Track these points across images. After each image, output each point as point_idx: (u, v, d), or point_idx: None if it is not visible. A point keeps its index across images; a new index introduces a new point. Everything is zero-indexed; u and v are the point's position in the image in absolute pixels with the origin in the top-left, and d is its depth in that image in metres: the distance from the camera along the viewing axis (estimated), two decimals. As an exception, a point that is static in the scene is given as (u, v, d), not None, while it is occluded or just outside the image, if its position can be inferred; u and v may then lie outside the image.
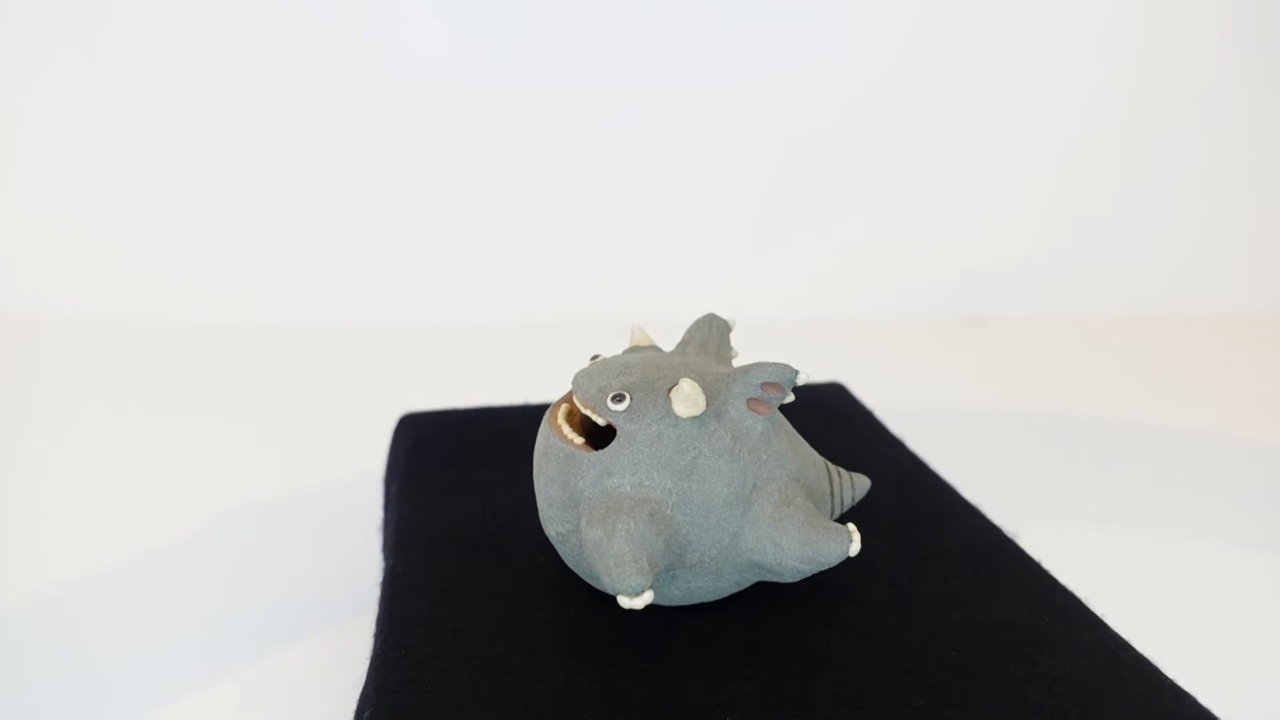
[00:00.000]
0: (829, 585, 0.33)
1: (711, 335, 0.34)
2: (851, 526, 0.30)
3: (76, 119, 0.87)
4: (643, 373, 0.31)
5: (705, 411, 0.29)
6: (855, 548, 0.30)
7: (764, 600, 0.32)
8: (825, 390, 0.51)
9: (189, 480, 0.58)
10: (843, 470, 0.34)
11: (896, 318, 0.88)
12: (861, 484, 0.35)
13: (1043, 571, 0.34)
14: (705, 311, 0.35)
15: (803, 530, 0.29)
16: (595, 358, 0.33)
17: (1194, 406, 0.68)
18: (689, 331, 0.34)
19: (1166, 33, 0.87)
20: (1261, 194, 0.91)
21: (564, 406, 0.32)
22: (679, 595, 0.31)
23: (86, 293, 0.88)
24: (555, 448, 0.30)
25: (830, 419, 0.47)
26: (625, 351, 0.34)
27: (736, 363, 0.35)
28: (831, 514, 0.33)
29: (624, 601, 0.27)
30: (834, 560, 0.30)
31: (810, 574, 0.30)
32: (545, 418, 0.32)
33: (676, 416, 0.29)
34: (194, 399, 0.71)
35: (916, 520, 0.37)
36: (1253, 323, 0.87)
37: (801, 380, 0.30)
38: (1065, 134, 0.89)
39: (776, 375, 0.30)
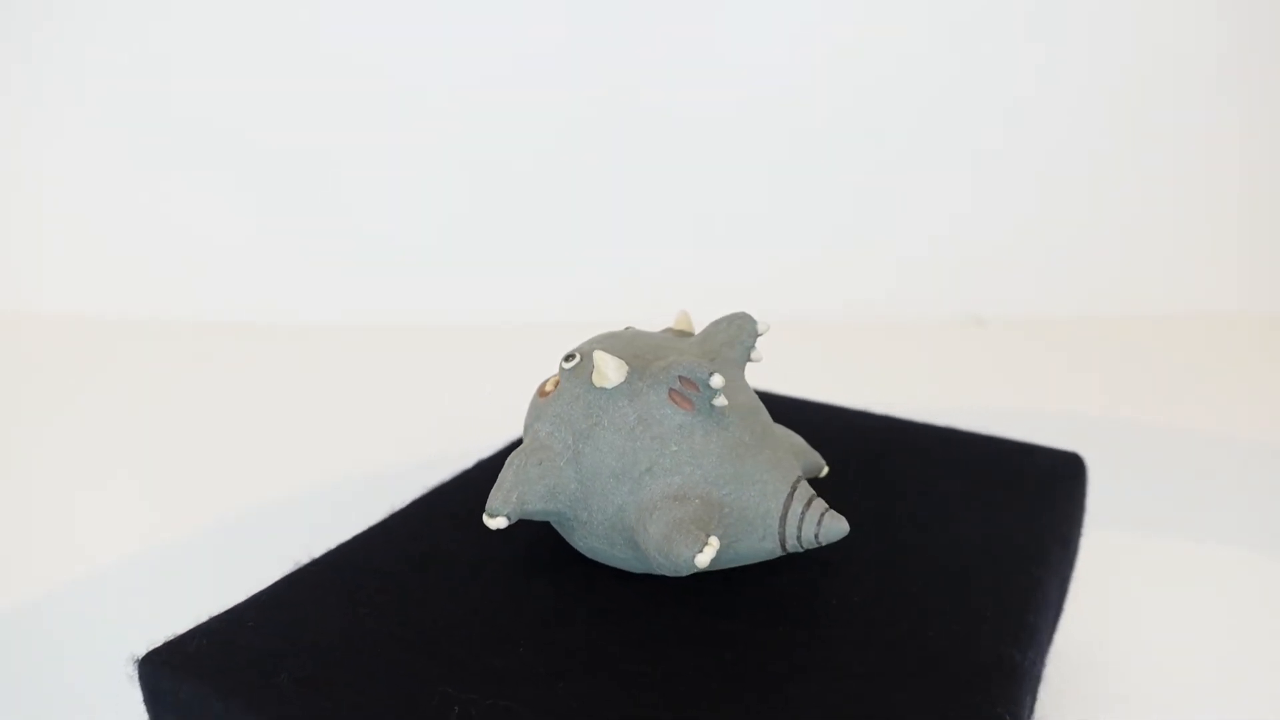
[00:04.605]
0: (782, 615, 0.33)
1: (720, 331, 0.35)
2: (714, 540, 0.30)
3: (79, 120, 0.89)
4: (614, 344, 0.34)
5: (619, 388, 0.32)
6: (702, 561, 0.29)
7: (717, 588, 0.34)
8: (1042, 456, 0.44)
9: (199, 478, 0.59)
10: (818, 503, 0.32)
11: (897, 318, 0.87)
12: (833, 527, 0.32)
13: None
14: (722, 311, 0.37)
15: (669, 525, 0.30)
16: (628, 328, 0.36)
17: (1195, 406, 0.67)
18: (709, 325, 0.36)
19: (1174, 28, 0.86)
20: (1265, 195, 0.90)
21: None
22: (582, 548, 0.34)
23: (79, 291, 0.90)
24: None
25: (1026, 484, 0.42)
26: (660, 331, 0.37)
27: (751, 367, 0.36)
28: (783, 542, 0.32)
29: (484, 518, 0.32)
30: (683, 564, 0.30)
31: (671, 571, 0.31)
32: None
33: (593, 384, 0.32)
34: (199, 399, 0.72)
35: (939, 603, 0.34)
36: (1254, 323, 0.85)
37: (716, 383, 0.31)
38: (1069, 135, 0.88)
39: (689, 371, 0.31)
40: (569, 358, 0.34)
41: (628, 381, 0.32)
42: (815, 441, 0.44)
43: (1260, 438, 0.62)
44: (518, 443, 0.45)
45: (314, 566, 0.36)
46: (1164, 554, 0.49)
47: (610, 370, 0.32)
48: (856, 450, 0.45)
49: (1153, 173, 0.90)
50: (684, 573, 0.31)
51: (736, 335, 0.35)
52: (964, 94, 0.88)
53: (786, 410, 0.48)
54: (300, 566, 0.36)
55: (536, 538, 0.37)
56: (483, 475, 0.42)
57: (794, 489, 0.33)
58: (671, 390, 0.32)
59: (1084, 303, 0.90)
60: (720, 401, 0.32)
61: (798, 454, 0.36)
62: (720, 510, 0.31)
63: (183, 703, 0.30)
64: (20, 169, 0.92)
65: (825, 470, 0.38)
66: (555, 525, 0.35)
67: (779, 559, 0.36)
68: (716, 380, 0.31)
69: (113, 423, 0.68)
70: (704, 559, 0.30)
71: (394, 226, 0.92)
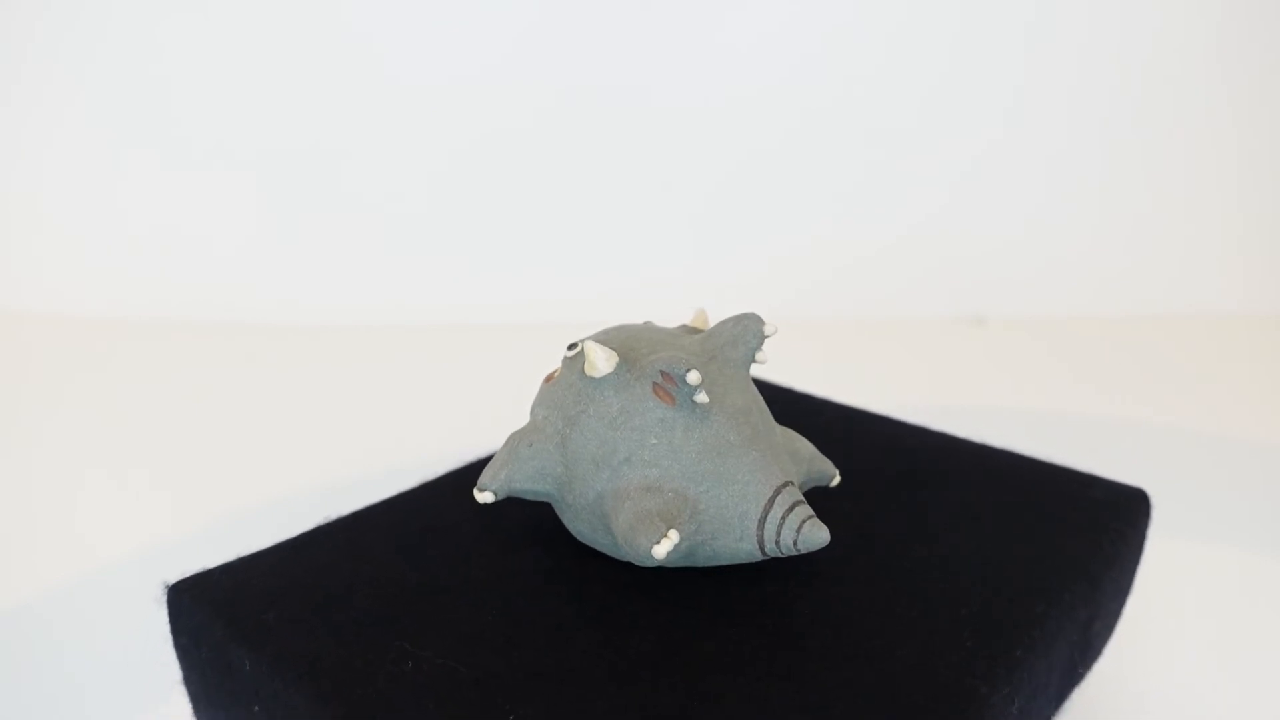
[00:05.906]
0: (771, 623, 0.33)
1: (725, 330, 0.35)
2: (673, 533, 0.30)
3: (80, 122, 0.91)
4: (614, 336, 0.35)
5: (607, 379, 0.33)
6: (659, 553, 0.30)
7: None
8: (1100, 488, 0.42)
9: (207, 477, 0.60)
10: (801, 509, 0.32)
11: (897, 317, 0.86)
12: (813, 535, 0.31)
13: None
14: (731, 311, 0.36)
15: (635, 515, 0.31)
16: (646, 323, 0.37)
17: (1195, 406, 0.65)
18: (716, 324, 0.36)
19: (1176, 28, 0.84)
20: (1268, 194, 0.86)
21: None
22: (572, 530, 0.35)
23: (78, 292, 0.93)
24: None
25: (1069, 515, 0.40)
26: (674, 327, 0.37)
27: (757, 369, 0.36)
28: (761, 545, 0.32)
29: (474, 492, 0.34)
30: (643, 555, 0.30)
31: (637, 560, 0.31)
32: None
33: (584, 373, 0.33)
34: (201, 401, 0.73)
35: (928, 625, 0.32)
36: (1252, 323, 0.83)
37: (693, 379, 0.31)
38: (1071, 134, 0.85)
39: (668, 366, 0.32)
40: (572, 346, 0.35)
41: (616, 373, 0.33)
42: (849, 449, 0.43)
43: (1263, 438, 0.61)
44: None
45: (339, 523, 0.39)
46: (1165, 555, 0.47)
47: (599, 360, 0.33)
48: (894, 462, 0.43)
49: (1155, 172, 0.87)
50: (648, 563, 0.31)
51: (741, 335, 0.34)
52: (965, 92, 0.86)
53: (841, 418, 0.47)
54: (328, 521, 0.39)
55: (540, 518, 0.38)
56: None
57: (777, 493, 0.32)
58: (655, 384, 0.32)
59: (1084, 303, 0.87)
60: (701, 398, 0.32)
61: (799, 460, 0.36)
62: (694, 507, 0.32)
63: (194, 628, 0.34)
64: (17, 167, 0.94)
65: (836, 479, 0.37)
66: (554, 507, 0.36)
67: (772, 563, 0.35)
68: (693, 377, 0.31)
69: (110, 424, 0.69)
70: (660, 551, 0.30)
71: (405, 225, 0.92)
